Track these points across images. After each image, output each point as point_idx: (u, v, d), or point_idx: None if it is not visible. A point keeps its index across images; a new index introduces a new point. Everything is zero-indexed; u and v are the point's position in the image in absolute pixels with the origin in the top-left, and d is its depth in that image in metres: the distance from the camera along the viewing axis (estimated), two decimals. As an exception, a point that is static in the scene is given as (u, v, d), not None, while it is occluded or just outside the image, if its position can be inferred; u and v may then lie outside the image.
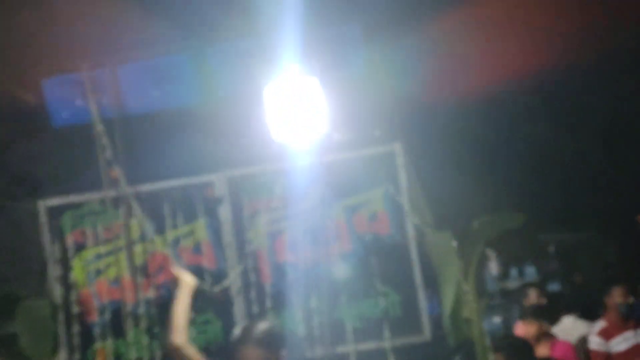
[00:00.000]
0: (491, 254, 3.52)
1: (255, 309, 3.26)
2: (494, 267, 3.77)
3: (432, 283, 3.33)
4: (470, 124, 3.51)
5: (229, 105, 3.26)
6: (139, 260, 3.30)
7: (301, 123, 3.21)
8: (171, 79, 3.26)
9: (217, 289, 3.14)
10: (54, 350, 3.32)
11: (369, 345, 3.29)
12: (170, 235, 3.31)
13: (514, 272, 5.25)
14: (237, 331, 2.29)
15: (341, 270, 3.31)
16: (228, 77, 3.25)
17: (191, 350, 2.34)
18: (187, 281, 2.38)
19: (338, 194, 3.34)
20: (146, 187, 3.27)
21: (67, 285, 3.30)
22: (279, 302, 3.27)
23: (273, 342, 2.24)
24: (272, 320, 3.18)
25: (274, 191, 3.28)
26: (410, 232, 3.29)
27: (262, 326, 2.26)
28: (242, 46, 3.22)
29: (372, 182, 3.34)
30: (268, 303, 3.26)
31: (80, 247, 3.33)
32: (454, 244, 3.21)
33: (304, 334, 3.22)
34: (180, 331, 2.31)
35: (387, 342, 3.23)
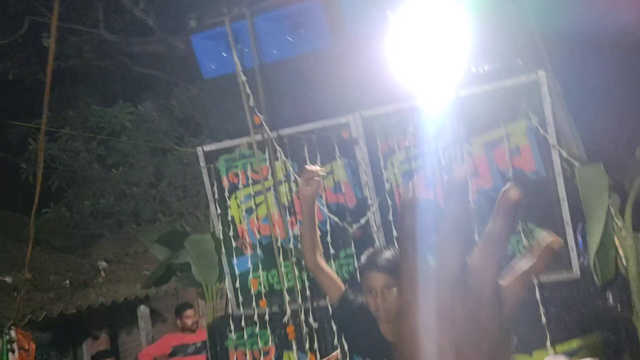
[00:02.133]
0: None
1: (394, 245, 3.36)
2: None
3: (582, 220, 3.14)
4: (627, 48, 3.11)
5: (361, 46, 3.26)
6: (284, 200, 3.54)
7: (432, 57, 3.12)
8: (304, 24, 3.33)
9: (355, 226, 3.28)
10: (220, 279, 3.76)
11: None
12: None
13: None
14: (363, 257, 2.41)
15: (482, 207, 3.25)
16: (359, 17, 3.23)
17: (327, 270, 2.51)
18: (306, 193, 2.46)
19: (477, 129, 3.23)
20: (287, 131, 3.45)
21: (226, 222, 3.67)
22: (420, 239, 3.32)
23: (396, 269, 2.33)
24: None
25: (409, 129, 3.27)
26: (557, 167, 3.10)
27: (386, 253, 2.35)
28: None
29: (514, 115, 3.17)
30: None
31: (234, 188, 3.66)
32: (606, 176, 2.96)
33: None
34: (307, 252, 2.48)
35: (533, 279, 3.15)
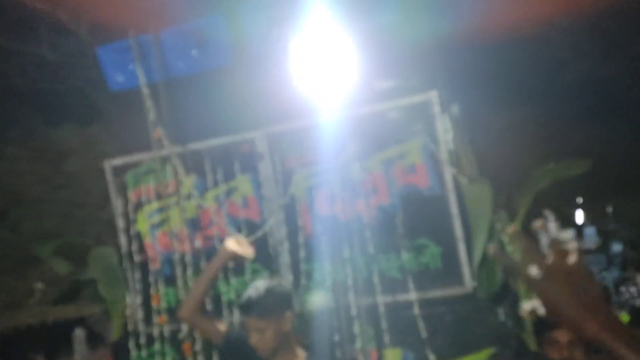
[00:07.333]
0: (550, 215, 3.28)
1: (298, 259, 3.39)
2: (553, 228, 3.52)
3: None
4: (516, 66, 3.25)
5: (263, 63, 3.33)
6: (191, 215, 3.54)
7: (331, 76, 3.21)
8: (208, 41, 3.39)
9: (252, 238, 3.29)
10: (125, 295, 3.70)
11: (410, 297, 3.29)
12: (218, 190, 3.50)
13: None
14: (241, 299, 2.21)
15: (380, 223, 3.31)
16: (260, 34, 3.31)
17: (202, 323, 2.39)
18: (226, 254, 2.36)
19: (375, 147, 3.31)
20: (191, 146, 3.47)
21: (131, 236, 3.64)
22: (320, 253, 3.36)
23: (269, 310, 2.11)
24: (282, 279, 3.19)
25: (311, 146, 3.33)
26: (449, 184, 3.18)
27: (257, 296, 2.13)
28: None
29: (409, 133, 3.26)
30: (309, 254, 3.36)
31: (141, 203, 3.64)
32: (490, 192, 3.05)
33: (345, 284, 3.28)
34: (189, 304, 2.36)
35: (427, 294, 3.20)
